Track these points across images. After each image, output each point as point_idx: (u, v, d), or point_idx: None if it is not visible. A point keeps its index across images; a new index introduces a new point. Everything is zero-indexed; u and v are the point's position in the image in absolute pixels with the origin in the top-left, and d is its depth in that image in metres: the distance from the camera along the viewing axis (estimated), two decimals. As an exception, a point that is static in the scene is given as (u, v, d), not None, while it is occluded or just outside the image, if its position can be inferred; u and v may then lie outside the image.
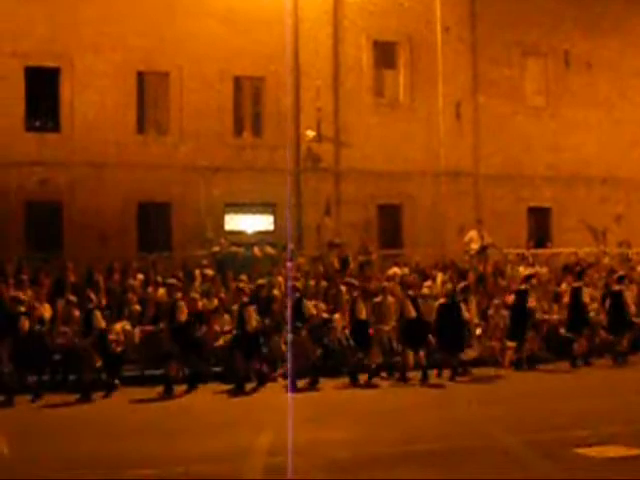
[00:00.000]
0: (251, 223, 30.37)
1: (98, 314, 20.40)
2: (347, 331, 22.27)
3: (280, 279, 24.11)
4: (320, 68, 30.72)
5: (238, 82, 30.36)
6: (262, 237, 29.31)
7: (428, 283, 24.99)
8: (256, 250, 26.97)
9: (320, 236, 29.99)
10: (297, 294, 21.99)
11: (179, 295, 21.21)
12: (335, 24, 31.08)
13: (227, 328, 22.24)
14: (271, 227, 30.28)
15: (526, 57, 33.47)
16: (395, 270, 25.95)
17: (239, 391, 20.05)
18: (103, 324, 20.47)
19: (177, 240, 29.16)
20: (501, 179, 32.42)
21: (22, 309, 20.12)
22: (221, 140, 29.79)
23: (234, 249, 27.13)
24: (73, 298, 21.55)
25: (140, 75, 29.47)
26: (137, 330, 22.08)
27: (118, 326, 21.43)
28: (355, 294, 22.30)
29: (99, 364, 20.07)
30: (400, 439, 14.13)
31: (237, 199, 29.85)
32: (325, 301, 23.69)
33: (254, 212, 30.30)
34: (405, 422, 15.85)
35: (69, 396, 19.42)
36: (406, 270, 26.12)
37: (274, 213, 29.98)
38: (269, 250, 27.02)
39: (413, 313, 21.74)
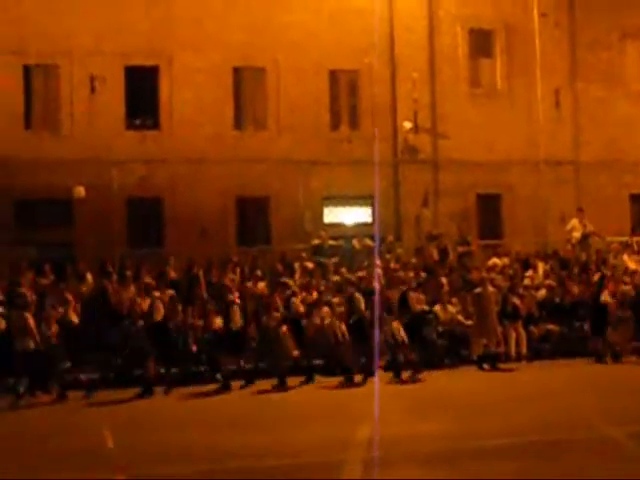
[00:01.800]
0: (350, 215, 30.36)
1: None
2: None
3: (379, 271, 24.04)
4: (416, 59, 30.54)
5: (334, 75, 30.39)
6: (361, 229, 29.26)
7: (529, 273, 24.65)
8: (355, 242, 26.98)
9: (419, 227, 29.84)
10: (403, 287, 21.99)
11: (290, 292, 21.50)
12: (430, 14, 30.87)
13: (327, 321, 22.25)
14: (369, 219, 30.21)
15: (625, 40, 32.72)
16: (495, 260, 25.69)
17: (347, 383, 20.02)
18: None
19: (276, 234, 29.34)
20: (602, 166, 31.74)
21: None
22: (318, 133, 29.86)
23: (333, 242, 27.20)
24: (173, 293, 21.85)
25: (237, 71, 29.74)
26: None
27: (218, 320, 21.58)
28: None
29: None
30: (500, 431, 13.97)
31: (335, 192, 29.87)
32: (424, 292, 23.53)
33: (352, 205, 30.28)
34: (504, 414, 15.67)
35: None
36: (506, 260, 25.83)
37: (372, 205, 29.90)
38: (368, 242, 26.96)
39: None
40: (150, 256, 25.92)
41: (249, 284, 23.82)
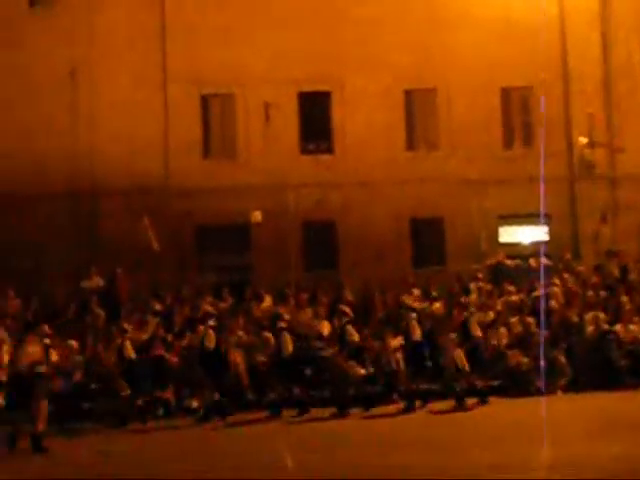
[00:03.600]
0: (526, 234, 29.90)
1: (350, 328, 20.79)
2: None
3: (556, 290, 23.61)
4: (590, 72, 29.86)
5: (505, 92, 30.09)
6: (537, 248, 28.75)
7: None
8: (532, 261, 26.55)
9: (597, 245, 29.09)
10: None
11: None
12: (603, 25, 30.15)
13: (504, 341, 22.00)
14: (546, 237, 29.67)
15: None
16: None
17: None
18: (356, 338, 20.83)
19: (451, 254, 29.19)
20: None
21: (283, 325, 20.75)
22: (491, 152, 29.57)
23: (509, 261, 26.87)
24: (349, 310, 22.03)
25: (407, 93, 29.82)
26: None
27: (395, 341, 21.59)
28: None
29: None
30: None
31: (510, 210, 29.47)
32: (604, 311, 22.95)
33: (528, 223, 29.81)
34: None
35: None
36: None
37: (548, 223, 29.37)
38: (545, 261, 26.49)
39: None
40: (325, 278, 26.23)
41: (425, 304, 23.78)
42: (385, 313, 23.29)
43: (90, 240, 28.01)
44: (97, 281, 24.73)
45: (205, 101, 29.77)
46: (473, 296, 24.35)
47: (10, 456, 16.11)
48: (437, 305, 23.30)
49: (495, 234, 29.51)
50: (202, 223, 28.82)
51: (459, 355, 20.40)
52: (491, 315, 22.88)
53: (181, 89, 29.03)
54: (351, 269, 27.71)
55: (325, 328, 21.82)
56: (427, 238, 29.59)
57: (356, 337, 20.86)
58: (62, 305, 23.71)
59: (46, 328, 17.75)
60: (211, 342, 19.84)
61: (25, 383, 16.54)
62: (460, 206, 29.15)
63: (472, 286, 24.89)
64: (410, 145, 29.96)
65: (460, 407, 19.68)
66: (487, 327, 22.28)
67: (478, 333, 21.25)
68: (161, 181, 28.96)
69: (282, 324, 20.72)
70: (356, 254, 28.63)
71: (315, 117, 29.68)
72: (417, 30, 29.25)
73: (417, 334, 21.06)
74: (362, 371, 20.29)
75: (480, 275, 25.63)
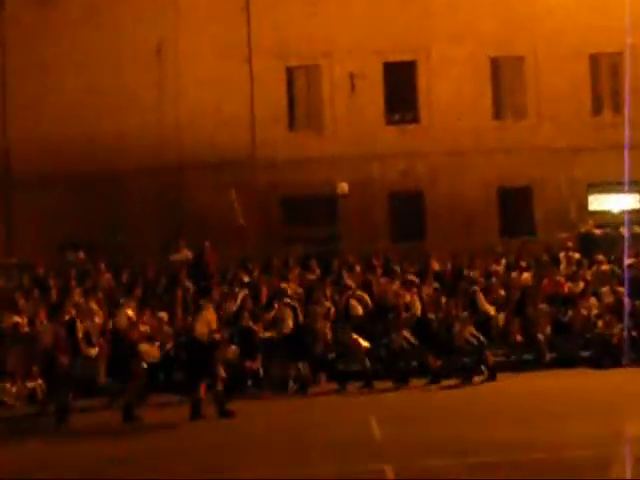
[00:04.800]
0: (616, 202, 29.38)
1: (481, 297, 20.89)
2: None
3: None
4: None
5: (594, 59, 29.53)
6: (629, 216, 28.24)
7: None
8: (622, 230, 26.08)
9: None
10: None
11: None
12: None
13: (595, 312, 21.70)
14: (638, 205, 29.12)
15: None
16: None
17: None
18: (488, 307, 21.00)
19: (539, 223, 28.88)
20: None
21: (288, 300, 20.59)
22: (580, 120, 29.08)
23: (599, 230, 26.45)
24: (438, 286, 21.94)
25: (494, 60, 29.47)
26: (502, 315, 21.98)
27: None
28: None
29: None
30: None
31: (600, 179, 28.98)
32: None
33: (618, 191, 29.26)
34: None
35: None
36: None
37: (638, 191, 28.81)
38: (637, 229, 26.04)
39: None
40: (413, 249, 26.16)
41: (514, 274, 23.58)
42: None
43: (178, 214, 28.32)
44: (186, 254, 24.99)
45: (290, 73, 29.80)
46: (562, 265, 24.12)
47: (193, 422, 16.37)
48: (526, 275, 23.12)
49: (584, 202, 29.11)
50: (288, 195, 28.93)
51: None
52: (581, 285, 22.58)
53: (266, 62, 29.09)
54: (439, 239, 27.53)
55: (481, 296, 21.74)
56: (515, 207, 29.26)
57: (360, 311, 20.75)
58: (152, 278, 24.03)
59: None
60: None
61: (202, 349, 16.71)
62: (549, 175, 28.77)
63: (561, 255, 24.60)
64: (497, 114, 29.63)
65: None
66: (577, 297, 22.02)
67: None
68: (247, 154, 29.10)
69: (287, 300, 20.51)
70: (444, 224, 28.47)
71: (401, 87, 29.50)
72: (503, -3, 28.89)
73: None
74: (365, 344, 19.92)
75: (570, 244, 25.28)
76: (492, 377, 19.66)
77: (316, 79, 29.81)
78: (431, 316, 20.66)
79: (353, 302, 20.77)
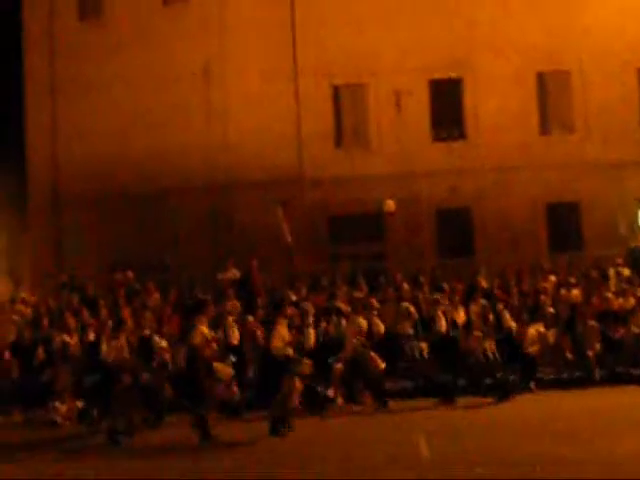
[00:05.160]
0: (667, 217, 29.12)
1: (506, 313, 20.55)
2: None
3: None
4: None
5: (642, 73, 29.34)
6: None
7: None
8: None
9: None
10: None
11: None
12: None
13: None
14: (688, 220, 28.84)
15: None
16: None
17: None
18: (512, 324, 20.65)
19: (588, 239, 28.62)
20: None
21: (440, 310, 20.78)
22: (628, 133, 28.82)
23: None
24: (485, 302, 21.81)
25: (540, 75, 29.33)
26: (551, 332, 21.81)
27: (532, 329, 21.30)
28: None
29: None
30: None
31: (650, 193, 28.73)
32: None
33: (669, 205, 29.03)
34: None
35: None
36: None
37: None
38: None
39: None
40: (460, 265, 26.08)
41: (563, 291, 23.38)
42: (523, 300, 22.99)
43: (226, 232, 28.50)
44: (233, 273, 25.11)
45: (336, 91, 29.91)
46: (612, 281, 23.88)
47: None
48: (575, 292, 22.92)
49: (634, 217, 28.81)
50: (335, 213, 29.02)
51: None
52: (631, 301, 22.33)
53: (312, 80, 29.27)
54: (487, 256, 27.42)
55: (460, 316, 21.67)
56: (564, 223, 29.05)
57: (382, 328, 20.60)
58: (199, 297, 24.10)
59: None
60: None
61: (276, 364, 16.75)
62: (597, 189, 28.55)
63: (611, 271, 24.36)
64: (544, 129, 29.47)
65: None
66: (628, 314, 21.78)
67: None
68: (294, 172, 29.24)
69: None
70: (491, 240, 28.38)
71: (446, 104, 29.46)
72: (548, 11, 28.74)
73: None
74: (382, 365, 19.69)
75: (619, 260, 25.04)
76: (505, 396, 19.43)
77: (362, 97, 29.89)
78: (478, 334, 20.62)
79: (376, 320, 20.69)
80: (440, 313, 20.97)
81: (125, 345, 18.67)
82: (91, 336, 20.90)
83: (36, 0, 31.33)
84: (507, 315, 21.25)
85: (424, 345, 20.34)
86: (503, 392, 19.20)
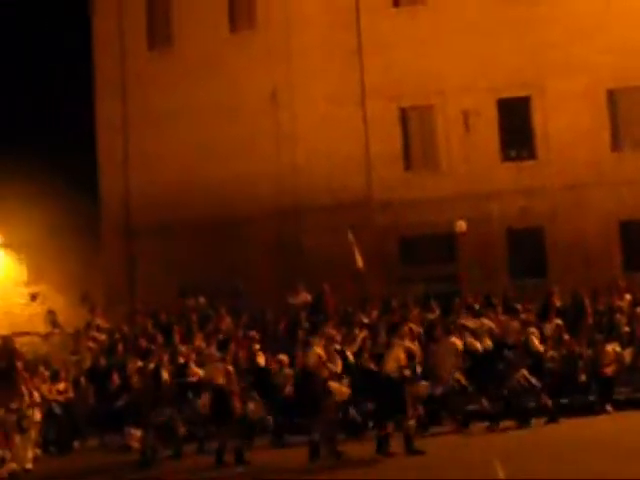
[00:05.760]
0: None
1: (534, 338, 20.15)
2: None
3: None
4: None
5: None
6: None
7: None
8: None
9: None
10: None
11: None
12: None
13: None
14: None
15: None
16: None
17: None
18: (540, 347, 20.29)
19: (664, 256, 28.13)
20: None
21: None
22: (701, 149, 28.33)
23: None
24: (560, 322, 21.55)
25: (610, 92, 28.95)
26: (627, 352, 21.44)
27: (609, 348, 20.98)
28: None
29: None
30: None
31: None
32: None
33: None
34: None
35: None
36: None
37: None
38: None
39: None
40: (533, 286, 25.79)
41: (638, 309, 22.98)
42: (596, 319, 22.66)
43: (295, 257, 28.58)
44: (304, 296, 25.16)
45: (404, 113, 29.90)
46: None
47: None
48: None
49: None
50: (406, 235, 28.97)
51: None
52: None
53: (379, 103, 29.30)
54: (560, 275, 27.08)
55: (535, 337, 21.32)
56: (638, 241, 28.58)
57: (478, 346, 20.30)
58: (271, 321, 24.20)
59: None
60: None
61: (393, 386, 16.89)
62: (672, 206, 28.04)
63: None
64: (615, 146, 29.07)
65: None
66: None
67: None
68: (363, 195, 29.27)
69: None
70: (564, 260, 28.02)
71: (515, 123, 29.25)
72: (618, 28, 28.36)
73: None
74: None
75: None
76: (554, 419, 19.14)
77: (430, 118, 29.83)
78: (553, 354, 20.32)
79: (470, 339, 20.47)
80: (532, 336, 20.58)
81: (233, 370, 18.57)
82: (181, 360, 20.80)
83: (107, 32, 31.86)
84: (535, 340, 20.67)
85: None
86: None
